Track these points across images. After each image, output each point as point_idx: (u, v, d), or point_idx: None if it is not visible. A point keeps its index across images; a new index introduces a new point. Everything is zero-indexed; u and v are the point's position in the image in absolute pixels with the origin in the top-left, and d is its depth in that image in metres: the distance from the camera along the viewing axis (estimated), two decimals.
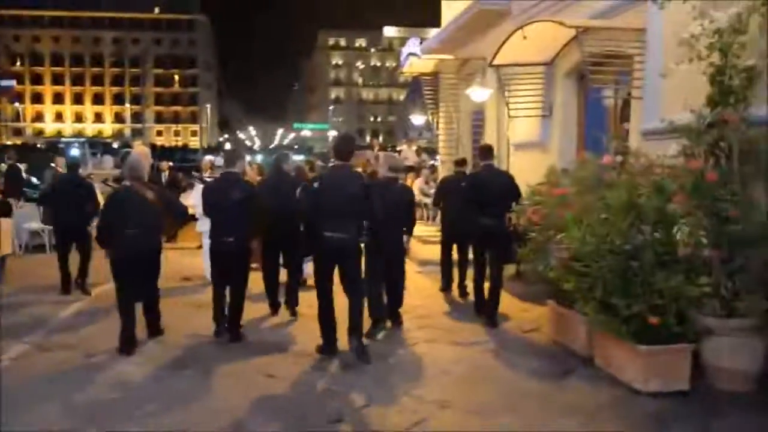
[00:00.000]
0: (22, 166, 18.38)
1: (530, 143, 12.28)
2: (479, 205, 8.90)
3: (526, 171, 12.43)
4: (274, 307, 9.38)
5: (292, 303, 9.28)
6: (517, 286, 11.09)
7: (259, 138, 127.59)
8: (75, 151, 59.42)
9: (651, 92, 8.63)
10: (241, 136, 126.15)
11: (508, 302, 10.16)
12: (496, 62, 11.20)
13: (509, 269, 10.74)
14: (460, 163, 11.27)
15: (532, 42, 10.47)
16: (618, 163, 7.33)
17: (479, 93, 13.31)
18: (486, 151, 9.43)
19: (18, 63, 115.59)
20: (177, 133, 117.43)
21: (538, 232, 8.18)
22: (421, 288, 11.45)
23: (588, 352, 7.36)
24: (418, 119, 21.69)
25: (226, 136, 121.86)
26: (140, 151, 10.72)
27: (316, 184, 7.49)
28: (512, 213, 8.54)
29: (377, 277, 8.45)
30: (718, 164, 6.50)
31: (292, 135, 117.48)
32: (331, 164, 8.06)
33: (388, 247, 8.45)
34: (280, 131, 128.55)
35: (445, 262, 10.97)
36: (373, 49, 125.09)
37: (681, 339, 6.41)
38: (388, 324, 8.76)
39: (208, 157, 16.70)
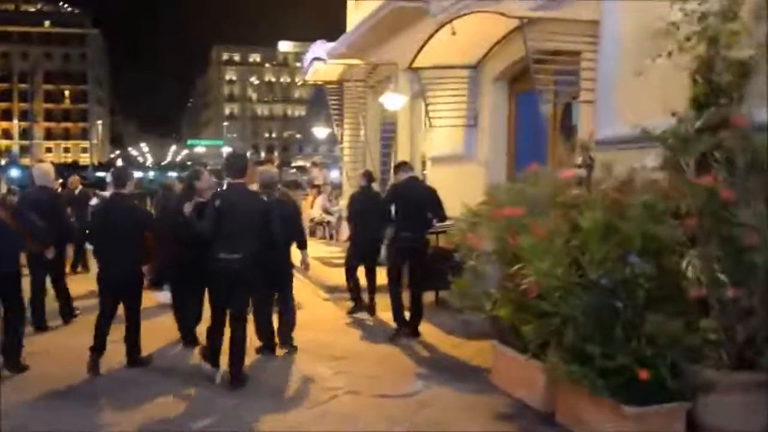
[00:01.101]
0: None
1: (451, 156, 10.76)
2: (399, 217, 8.45)
3: (446, 187, 10.92)
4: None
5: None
6: (439, 315, 9.58)
7: (152, 155, 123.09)
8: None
9: (605, 94, 7.23)
10: (134, 152, 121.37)
11: (433, 334, 8.75)
12: (416, 64, 9.63)
13: (427, 296, 9.37)
14: (367, 176, 9.92)
15: (456, 42, 8.98)
16: (583, 178, 5.84)
17: (393, 100, 11.75)
18: (405, 165, 8.95)
19: None
20: (67, 150, 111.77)
21: (478, 259, 6.66)
22: (331, 319, 9.80)
23: (547, 407, 5.84)
24: (321, 132, 19.75)
25: (118, 152, 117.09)
26: (44, 168, 9.70)
27: (217, 202, 6.81)
28: (439, 232, 7.79)
29: (266, 299, 7.90)
30: (716, 179, 5.08)
31: (185, 151, 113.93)
32: (226, 182, 7.31)
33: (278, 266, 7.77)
34: (173, 147, 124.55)
35: (352, 282, 9.96)
36: (267, 65, 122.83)
37: (676, 397, 4.97)
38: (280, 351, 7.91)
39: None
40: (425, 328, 8.98)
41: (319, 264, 13.50)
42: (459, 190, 10.44)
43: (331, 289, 11.08)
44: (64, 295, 9.32)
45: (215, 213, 6.71)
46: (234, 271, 6.66)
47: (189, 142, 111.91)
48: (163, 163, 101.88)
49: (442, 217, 8.62)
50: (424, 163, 12.64)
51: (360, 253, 9.82)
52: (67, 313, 9.29)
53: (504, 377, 6.48)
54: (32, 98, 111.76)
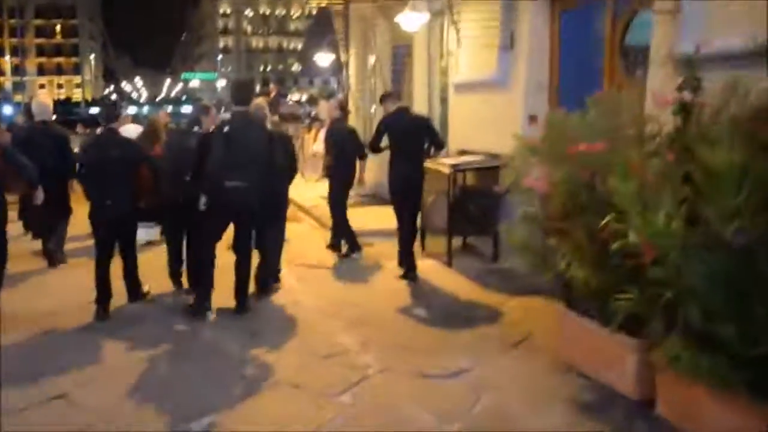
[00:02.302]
0: None
1: (481, 83, 9.17)
2: (393, 150, 8.03)
3: (473, 118, 9.49)
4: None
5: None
6: (469, 264, 8.34)
7: (146, 89, 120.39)
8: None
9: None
10: (128, 88, 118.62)
11: (466, 289, 7.50)
12: None
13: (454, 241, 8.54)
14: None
15: None
16: (697, 104, 4.35)
17: (411, 19, 10.09)
18: (392, 95, 8.72)
19: None
20: (60, 86, 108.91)
21: (541, 205, 5.30)
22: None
23: (641, 395, 4.53)
24: (324, 59, 17.81)
25: (112, 87, 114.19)
26: (44, 101, 9.41)
27: (225, 129, 6.61)
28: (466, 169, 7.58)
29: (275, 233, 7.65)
30: None
31: (179, 86, 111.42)
32: (231, 110, 7.21)
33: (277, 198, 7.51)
34: (167, 82, 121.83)
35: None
36: None
37: None
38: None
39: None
40: (455, 280, 7.81)
41: (324, 204, 12.08)
42: (489, 122, 9.02)
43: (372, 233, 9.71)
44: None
45: (225, 140, 6.48)
46: (241, 200, 6.53)
47: (183, 76, 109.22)
48: (157, 99, 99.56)
49: (440, 145, 8.37)
50: (443, 92, 11.09)
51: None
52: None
53: (577, 353, 5.13)
54: (23, 34, 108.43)
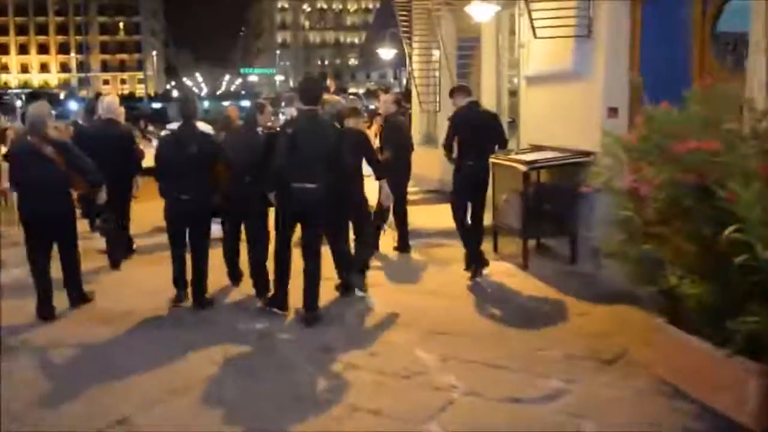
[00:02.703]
0: None
1: (556, 74, 8.59)
2: (462, 147, 7.71)
3: (547, 112, 8.94)
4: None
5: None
6: (546, 268, 7.86)
7: (206, 84, 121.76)
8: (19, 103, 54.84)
9: None
10: (188, 82, 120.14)
11: (547, 295, 7.00)
12: None
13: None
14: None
15: None
16: None
17: (481, 10, 9.57)
18: (463, 89, 8.10)
19: None
20: (123, 82, 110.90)
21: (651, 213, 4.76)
22: (417, 274, 8.07)
23: (763, 425, 3.99)
24: (386, 53, 17.30)
25: (173, 83, 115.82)
26: (112, 99, 9.13)
27: (289, 130, 6.49)
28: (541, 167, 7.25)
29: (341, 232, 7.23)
30: None
31: (239, 80, 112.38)
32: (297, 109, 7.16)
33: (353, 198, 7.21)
34: (227, 77, 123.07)
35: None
36: None
37: None
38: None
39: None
40: (532, 284, 7.35)
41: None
42: (564, 115, 8.47)
43: (413, 234, 9.21)
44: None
45: (289, 141, 6.31)
46: (308, 201, 6.28)
47: (242, 70, 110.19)
48: (217, 93, 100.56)
49: (505, 144, 8.12)
50: (513, 85, 10.55)
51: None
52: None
53: (683, 374, 4.58)
54: (88, 31, 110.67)
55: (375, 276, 7.72)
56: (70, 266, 6.88)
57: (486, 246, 8.03)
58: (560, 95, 8.57)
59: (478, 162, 7.62)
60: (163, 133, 12.54)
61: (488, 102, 10.86)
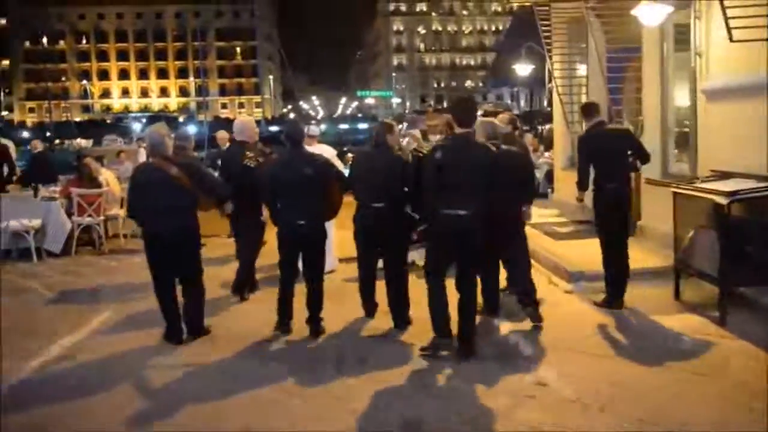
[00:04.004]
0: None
1: (746, 87, 7.28)
2: (599, 168, 7.45)
3: (736, 131, 7.65)
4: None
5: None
6: (747, 322, 6.66)
7: (322, 107, 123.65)
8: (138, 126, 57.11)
9: None
10: (305, 106, 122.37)
11: (750, 358, 5.76)
12: None
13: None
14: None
15: None
16: None
17: (652, 11, 8.32)
18: (593, 107, 7.84)
19: (84, 41, 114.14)
20: (241, 105, 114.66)
21: None
22: (588, 327, 6.92)
23: None
24: (523, 69, 16.10)
25: (290, 106, 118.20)
26: (245, 121, 9.23)
27: (437, 154, 6.21)
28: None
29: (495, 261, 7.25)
30: None
31: (355, 103, 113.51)
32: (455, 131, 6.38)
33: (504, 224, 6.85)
34: (343, 100, 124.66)
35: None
36: (434, 14, 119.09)
37: None
38: None
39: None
40: (739, 350, 6.07)
41: (538, 234, 10.54)
42: (761, 136, 7.17)
43: (575, 276, 8.08)
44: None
45: (436, 166, 6.10)
46: (462, 229, 6.04)
47: (358, 93, 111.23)
48: (334, 116, 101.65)
49: (647, 158, 7.61)
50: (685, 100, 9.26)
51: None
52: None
53: None
54: (206, 56, 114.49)
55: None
56: (194, 293, 6.87)
57: (664, 291, 6.84)
58: (754, 112, 7.26)
59: (612, 186, 7.27)
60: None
61: (652, 121, 9.74)
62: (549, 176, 14.93)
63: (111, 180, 12.88)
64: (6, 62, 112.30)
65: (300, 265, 7.09)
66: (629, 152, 7.53)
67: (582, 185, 7.65)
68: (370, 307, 7.37)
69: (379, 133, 7.32)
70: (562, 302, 7.80)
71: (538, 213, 11.96)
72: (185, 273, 6.85)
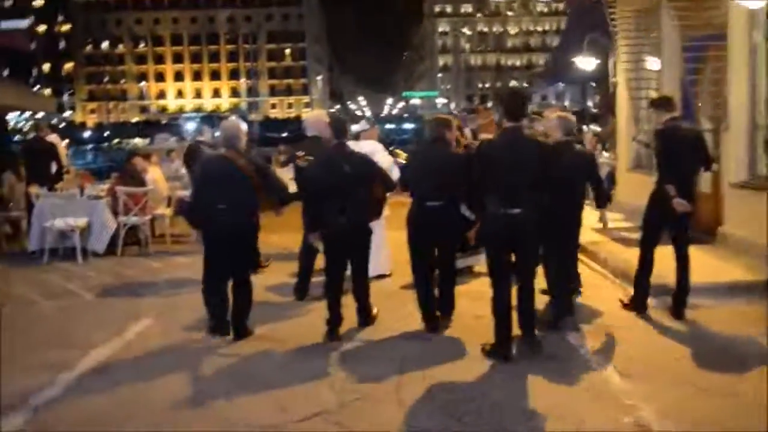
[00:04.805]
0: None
1: None
2: (665, 169, 6.74)
3: None
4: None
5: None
6: None
7: (369, 108, 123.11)
8: (193, 125, 57.35)
9: None
10: (352, 106, 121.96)
11: None
12: None
13: None
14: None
15: None
16: None
17: None
18: (667, 102, 7.07)
19: (141, 45, 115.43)
20: (290, 106, 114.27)
21: None
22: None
23: None
24: (586, 62, 14.87)
25: (338, 107, 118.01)
26: (317, 114, 8.78)
27: (485, 150, 5.92)
28: None
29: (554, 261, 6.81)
30: None
31: (401, 104, 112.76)
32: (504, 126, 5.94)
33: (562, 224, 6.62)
34: (389, 100, 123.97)
35: None
36: (479, 15, 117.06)
37: None
38: None
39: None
40: None
41: (606, 241, 9.53)
42: None
43: (654, 289, 7.06)
44: None
45: (484, 161, 5.82)
46: (516, 228, 5.64)
47: (404, 94, 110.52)
48: (380, 116, 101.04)
49: (710, 165, 7.10)
50: None
51: None
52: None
53: None
54: (256, 58, 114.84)
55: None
56: (244, 292, 6.48)
57: (756, 308, 6.13)
58: None
59: (680, 189, 6.52)
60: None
61: (739, 118, 8.58)
62: (610, 178, 13.82)
63: (158, 178, 12.19)
64: (70, 65, 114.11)
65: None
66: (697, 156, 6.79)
67: (666, 180, 6.69)
68: (431, 320, 6.65)
69: (436, 129, 6.79)
70: (641, 320, 6.78)
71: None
72: (240, 269, 6.49)
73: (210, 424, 4.75)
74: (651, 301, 7.02)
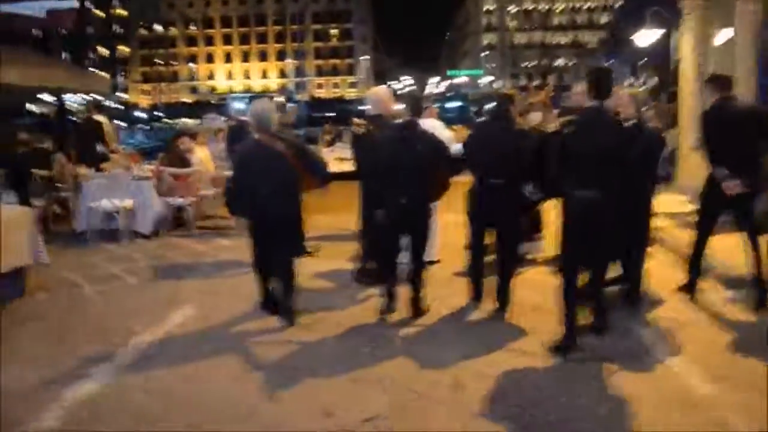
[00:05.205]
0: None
1: None
2: (717, 153, 6.15)
3: None
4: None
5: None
6: None
7: (415, 87, 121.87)
8: (239, 105, 57.21)
9: None
10: (396, 85, 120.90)
11: None
12: None
13: None
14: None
15: None
16: None
17: None
18: (720, 80, 6.46)
19: (192, 27, 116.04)
20: (336, 85, 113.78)
21: None
22: None
23: None
24: (646, 36, 13.84)
25: (384, 86, 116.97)
26: (379, 91, 7.53)
27: (566, 130, 5.36)
28: None
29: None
30: None
31: (446, 83, 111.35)
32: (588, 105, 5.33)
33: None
34: (433, 79, 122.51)
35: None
36: None
37: None
38: None
39: None
40: None
41: (674, 226, 8.85)
42: None
43: (735, 282, 6.42)
44: None
45: (562, 144, 5.34)
46: (594, 211, 5.22)
47: (449, 72, 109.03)
48: (425, 95, 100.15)
49: None
50: None
51: None
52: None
53: None
54: (303, 38, 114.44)
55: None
56: (289, 275, 6.20)
57: None
58: None
59: (734, 172, 6.00)
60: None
61: None
62: (670, 157, 13.00)
63: (205, 159, 11.80)
64: (125, 48, 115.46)
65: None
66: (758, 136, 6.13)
67: (717, 162, 6.22)
68: (477, 288, 6.58)
69: (500, 105, 6.42)
70: (725, 316, 6.12)
71: (664, 199, 10.17)
72: (284, 254, 6.23)
73: (251, 428, 4.29)
74: (726, 294, 6.38)
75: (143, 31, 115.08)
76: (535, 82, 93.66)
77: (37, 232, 7.52)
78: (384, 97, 7.39)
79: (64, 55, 73.49)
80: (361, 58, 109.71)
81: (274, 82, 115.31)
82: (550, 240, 8.20)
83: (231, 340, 5.88)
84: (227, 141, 10.15)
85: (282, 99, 55.37)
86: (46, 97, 18.39)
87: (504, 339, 5.71)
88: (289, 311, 6.22)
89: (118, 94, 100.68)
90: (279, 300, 6.29)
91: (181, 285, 7.70)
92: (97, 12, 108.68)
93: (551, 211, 8.10)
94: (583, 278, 5.51)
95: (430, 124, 7.31)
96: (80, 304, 7.13)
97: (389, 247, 6.33)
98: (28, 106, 52.92)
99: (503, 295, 6.31)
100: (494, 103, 6.76)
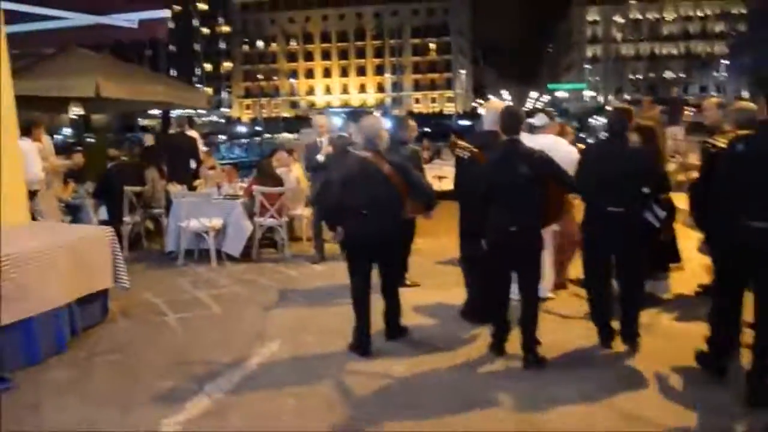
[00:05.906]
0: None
1: None
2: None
3: None
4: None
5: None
6: None
7: (513, 101, 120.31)
8: (337, 121, 57.34)
9: None
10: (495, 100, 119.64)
11: None
12: None
13: None
14: None
15: None
16: None
17: None
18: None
19: (293, 43, 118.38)
20: (433, 100, 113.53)
21: None
22: None
23: None
24: None
25: (480, 101, 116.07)
26: (495, 106, 6.73)
27: (739, 147, 4.69)
28: None
29: None
30: None
31: (546, 97, 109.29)
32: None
33: None
34: (533, 94, 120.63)
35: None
36: (632, 1, 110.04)
37: None
38: None
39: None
40: None
41: None
42: None
43: None
44: None
45: (735, 164, 4.70)
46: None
47: (549, 86, 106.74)
48: (524, 109, 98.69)
49: None
50: None
51: None
52: None
53: None
54: (401, 53, 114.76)
55: None
56: (392, 293, 6.12)
57: None
58: None
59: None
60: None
61: None
62: None
63: (300, 176, 11.30)
64: (229, 65, 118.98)
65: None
66: None
67: None
68: (604, 332, 5.86)
69: (616, 122, 5.81)
70: None
71: None
72: (387, 276, 6.08)
73: None
74: None
75: (246, 47, 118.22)
76: (647, 97, 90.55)
77: (119, 254, 7.12)
78: (496, 112, 6.58)
79: (171, 71, 76.65)
80: (460, 71, 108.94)
81: (372, 96, 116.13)
82: (680, 277, 7.34)
83: (320, 381, 5.31)
84: (306, 158, 9.77)
85: (400, 114, 55.61)
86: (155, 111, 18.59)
87: (631, 370, 4.95)
88: (398, 326, 6.20)
89: (222, 109, 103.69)
90: (386, 316, 6.17)
91: (268, 316, 7.15)
92: (203, 29, 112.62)
93: (684, 241, 7.20)
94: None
95: (549, 142, 6.54)
96: (160, 334, 6.68)
97: (497, 282, 5.77)
98: (139, 121, 54.86)
99: (629, 332, 5.78)
100: (609, 119, 6.04)
